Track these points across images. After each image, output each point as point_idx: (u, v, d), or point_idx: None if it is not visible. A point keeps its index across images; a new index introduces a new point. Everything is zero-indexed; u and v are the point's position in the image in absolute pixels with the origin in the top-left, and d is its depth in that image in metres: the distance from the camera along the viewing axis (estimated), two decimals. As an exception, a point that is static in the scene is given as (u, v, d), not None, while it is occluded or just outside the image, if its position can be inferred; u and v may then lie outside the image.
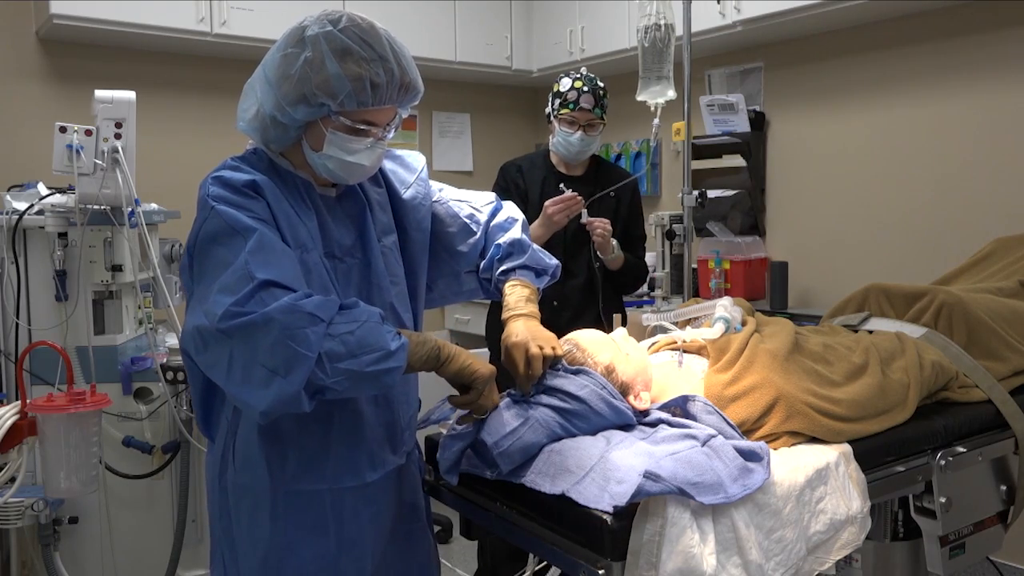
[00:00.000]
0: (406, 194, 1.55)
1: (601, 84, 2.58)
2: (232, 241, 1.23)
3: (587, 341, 1.49)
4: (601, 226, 2.50)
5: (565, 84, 2.57)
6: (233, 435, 1.42)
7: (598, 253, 2.56)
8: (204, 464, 1.57)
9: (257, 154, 1.41)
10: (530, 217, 2.59)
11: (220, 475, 1.43)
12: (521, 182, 2.65)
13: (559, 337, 1.56)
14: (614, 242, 2.57)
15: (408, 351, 1.26)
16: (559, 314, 2.58)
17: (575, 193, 2.46)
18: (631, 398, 1.44)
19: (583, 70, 2.62)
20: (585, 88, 2.53)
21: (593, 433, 1.36)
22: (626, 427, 1.39)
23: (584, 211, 2.50)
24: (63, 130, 2.37)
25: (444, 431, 1.44)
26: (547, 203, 2.45)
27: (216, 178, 1.31)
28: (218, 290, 1.20)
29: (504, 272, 1.57)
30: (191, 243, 1.30)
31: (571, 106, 2.52)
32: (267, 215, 1.30)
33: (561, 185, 2.54)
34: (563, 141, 2.55)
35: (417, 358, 1.30)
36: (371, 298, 1.43)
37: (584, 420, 1.36)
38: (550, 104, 2.60)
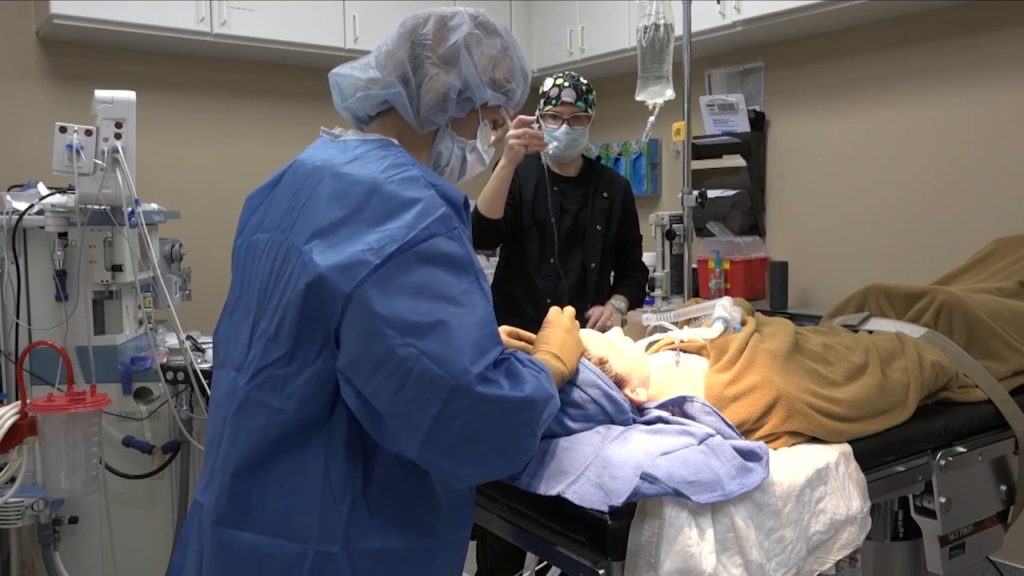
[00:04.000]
0: None
1: (584, 81, 2.61)
2: (463, 274, 1.10)
3: (585, 340, 1.49)
4: (600, 318, 2.56)
5: (547, 83, 2.62)
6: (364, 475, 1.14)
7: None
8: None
9: (395, 145, 1.24)
10: (524, 214, 2.60)
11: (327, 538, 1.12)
12: (516, 181, 2.66)
13: None
14: (621, 307, 2.64)
15: None
16: None
17: (538, 129, 2.47)
18: (627, 391, 1.44)
19: (566, 72, 2.66)
20: (566, 84, 2.58)
21: (589, 427, 1.36)
22: (623, 425, 1.39)
23: (545, 154, 2.54)
24: (63, 130, 2.37)
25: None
26: (509, 133, 2.45)
27: (437, 188, 1.15)
28: (462, 339, 1.05)
29: None
30: (404, 243, 1.07)
31: (553, 102, 2.57)
32: (469, 242, 1.18)
33: (542, 155, 2.57)
34: (549, 137, 2.57)
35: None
36: None
37: (579, 410, 1.36)
38: (538, 106, 2.63)
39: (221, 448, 1.20)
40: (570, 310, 1.41)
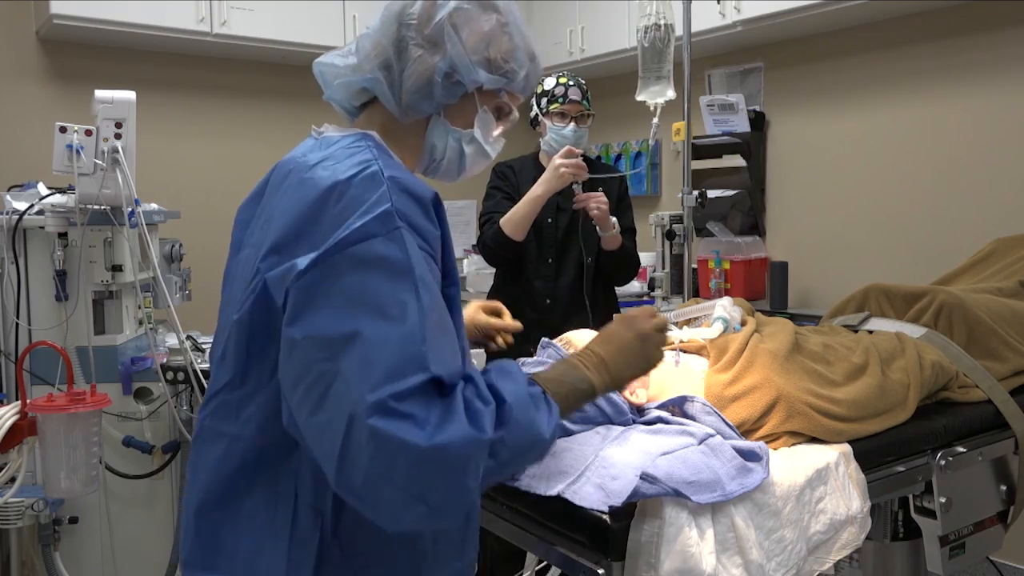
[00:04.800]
0: None
1: (583, 81, 2.63)
2: (399, 281, 0.94)
3: (580, 340, 1.49)
4: (596, 201, 2.48)
5: (549, 83, 2.61)
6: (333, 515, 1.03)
7: (598, 230, 2.56)
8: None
9: (370, 139, 1.11)
10: None
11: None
12: (514, 181, 2.66)
13: (553, 336, 1.56)
14: (612, 218, 2.56)
15: (559, 415, 1.03)
16: (551, 312, 2.59)
17: (581, 158, 2.46)
18: (626, 393, 1.44)
19: (565, 72, 2.66)
20: (570, 83, 2.59)
21: (588, 428, 1.36)
22: (622, 425, 1.39)
23: (578, 186, 2.50)
24: (63, 130, 2.37)
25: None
26: (556, 157, 2.45)
27: (397, 181, 1.00)
28: (373, 358, 0.90)
29: None
30: (332, 245, 0.95)
31: (560, 100, 2.57)
32: (437, 244, 1.03)
33: (575, 186, 2.53)
34: (556, 136, 2.57)
35: (570, 411, 1.09)
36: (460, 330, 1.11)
37: (578, 412, 1.35)
38: (536, 105, 2.63)
39: (187, 480, 1.11)
40: (663, 319, 1.20)
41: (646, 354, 1.17)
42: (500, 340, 1.61)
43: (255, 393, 1.03)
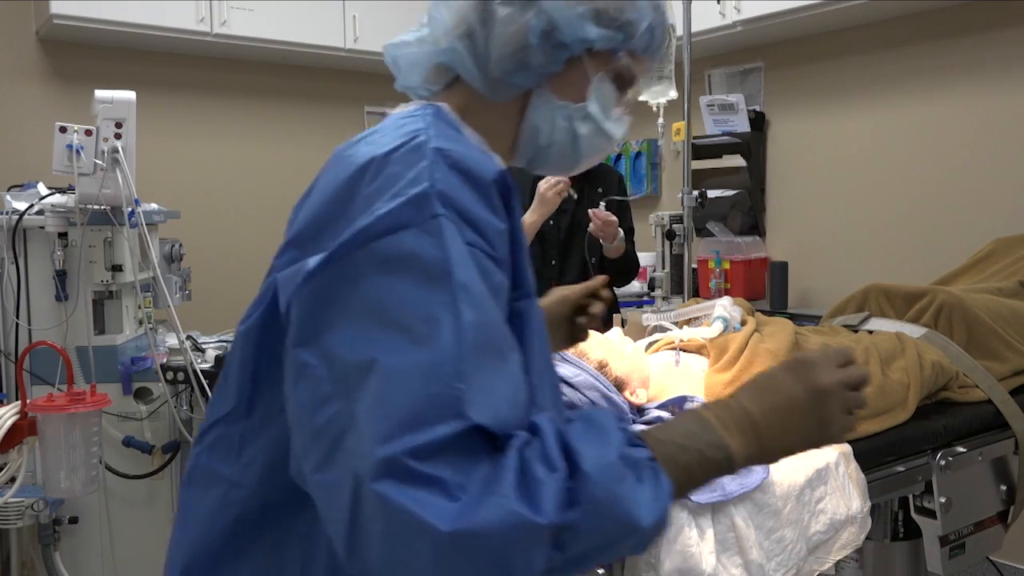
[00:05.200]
0: None
1: None
2: (432, 290, 0.69)
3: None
4: (603, 220, 2.51)
5: None
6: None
7: (602, 243, 2.57)
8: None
9: (431, 108, 0.87)
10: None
11: None
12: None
13: None
14: (620, 232, 2.57)
15: (673, 493, 0.74)
16: None
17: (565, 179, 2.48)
18: (627, 393, 1.44)
19: None
20: None
21: None
22: (625, 426, 1.39)
23: (573, 193, 2.52)
24: (63, 130, 2.37)
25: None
26: (540, 183, 2.47)
27: (445, 155, 0.76)
28: (388, 397, 0.66)
29: None
30: (350, 238, 0.72)
31: None
32: (501, 241, 0.77)
33: (570, 190, 2.54)
34: None
35: (692, 487, 0.79)
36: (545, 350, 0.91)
37: (574, 409, 1.35)
38: None
39: (175, 529, 0.91)
40: (861, 373, 0.84)
41: (821, 419, 0.83)
42: (595, 308, 1.26)
43: (261, 428, 0.81)
